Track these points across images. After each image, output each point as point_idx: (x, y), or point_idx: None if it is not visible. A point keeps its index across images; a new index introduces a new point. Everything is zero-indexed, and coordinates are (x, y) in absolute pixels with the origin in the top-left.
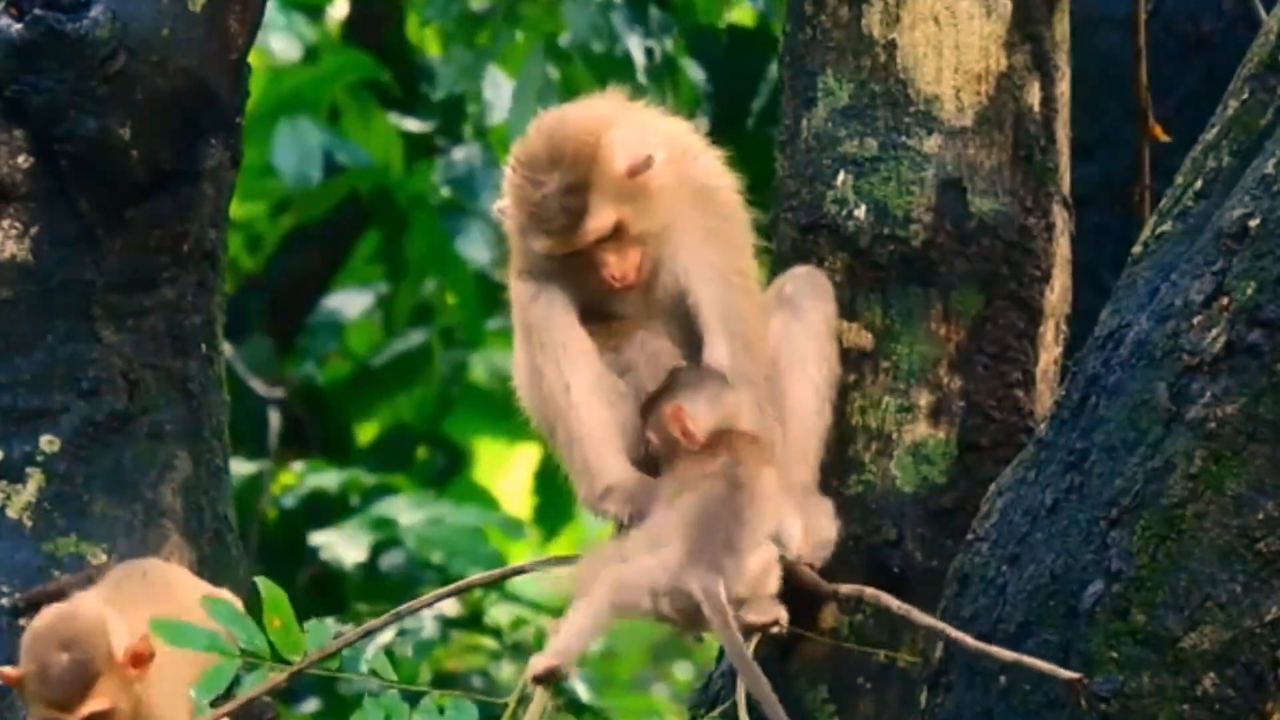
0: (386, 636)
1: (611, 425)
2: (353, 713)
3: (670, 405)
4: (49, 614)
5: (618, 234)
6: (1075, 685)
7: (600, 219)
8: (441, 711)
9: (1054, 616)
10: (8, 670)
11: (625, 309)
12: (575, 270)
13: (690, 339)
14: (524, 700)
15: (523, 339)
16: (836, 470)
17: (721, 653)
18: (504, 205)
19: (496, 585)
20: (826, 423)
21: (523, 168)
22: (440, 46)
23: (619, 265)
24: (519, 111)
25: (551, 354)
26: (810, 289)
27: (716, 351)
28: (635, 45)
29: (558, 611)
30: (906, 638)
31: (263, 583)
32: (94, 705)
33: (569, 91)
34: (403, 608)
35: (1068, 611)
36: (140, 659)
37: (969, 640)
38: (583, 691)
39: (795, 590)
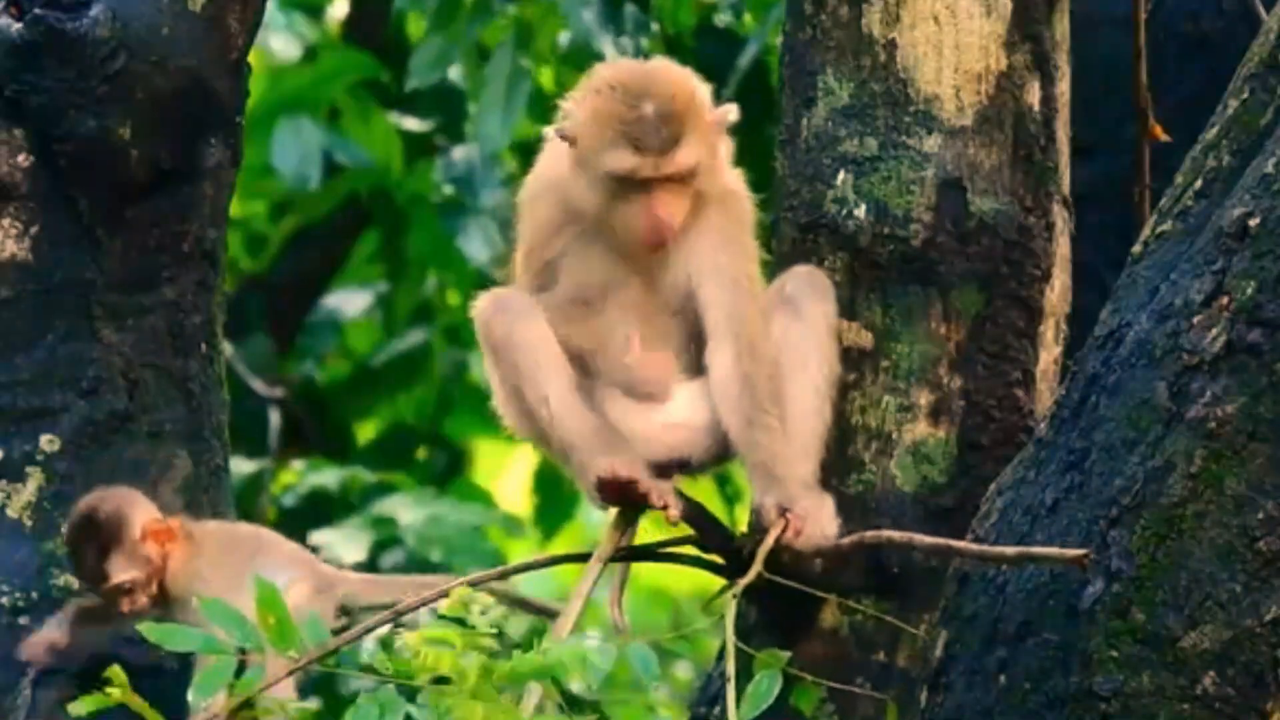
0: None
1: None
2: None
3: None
4: None
5: (686, 180)
6: (1081, 562)
7: (691, 151)
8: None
9: (1054, 616)
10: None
11: (626, 298)
12: (605, 224)
13: (684, 332)
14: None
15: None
16: (837, 469)
17: (721, 653)
18: (565, 128)
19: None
20: (827, 421)
21: (615, 91)
22: (422, 36)
23: (670, 208)
24: (489, 102)
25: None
26: (810, 289)
27: (721, 354)
28: (609, 45)
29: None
30: (906, 639)
31: (256, 579)
32: None
33: (541, 83)
34: (402, 605)
35: (1067, 611)
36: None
37: (972, 548)
38: (579, 689)
39: (794, 591)
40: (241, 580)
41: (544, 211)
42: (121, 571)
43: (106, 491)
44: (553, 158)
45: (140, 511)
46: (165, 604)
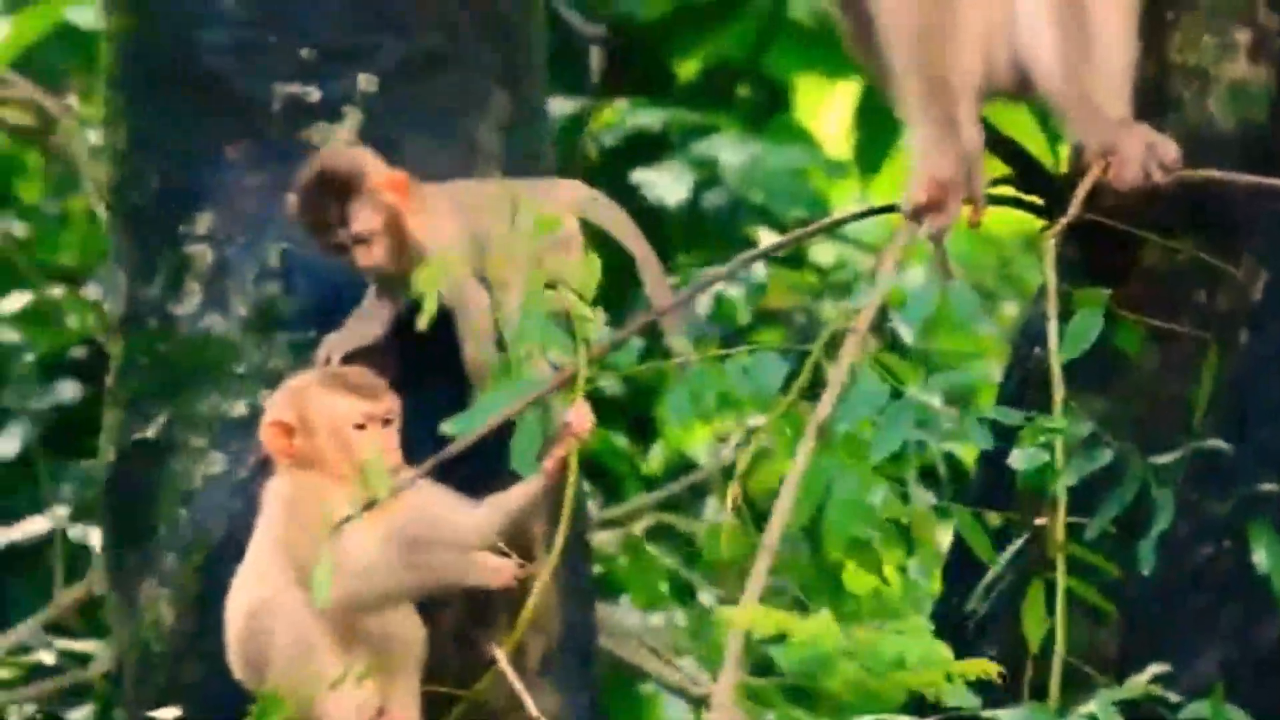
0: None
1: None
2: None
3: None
4: None
5: None
6: None
7: None
8: (745, 372)
9: None
10: None
11: None
12: None
13: None
14: (834, 340)
15: None
16: (1153, 109)
17: (1040, 293)
18: None
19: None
20: (1135, 53)
21: None
22: None
23: None
24: None
25: None
26: None
27: None
28: None
29: (877, 249)
30: (1226, 279)
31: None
32: None
33: None
34: (735, 262)
35: None
36: None
37: None
38: (905, 333)
39: (1114, 231)
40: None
41: None
42: (362, 220)
43: (336, 148)
44: None
45: (373, 163)
46: (401, 265)
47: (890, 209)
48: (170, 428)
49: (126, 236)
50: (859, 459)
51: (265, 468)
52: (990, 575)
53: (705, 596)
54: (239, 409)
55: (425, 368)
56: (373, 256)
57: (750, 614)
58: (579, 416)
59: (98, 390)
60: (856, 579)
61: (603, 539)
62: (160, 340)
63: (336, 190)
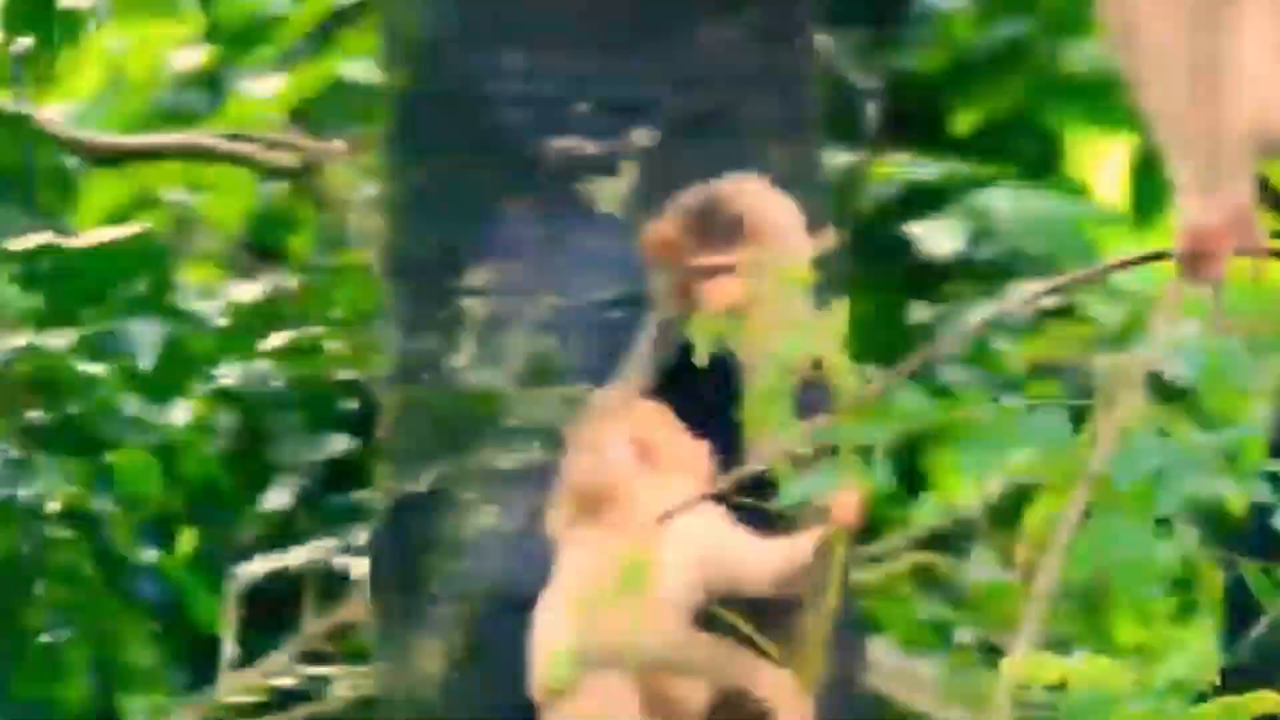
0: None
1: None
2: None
3: None
4: None
5: None
6: None
7: None
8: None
9: None
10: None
11: None
12: None
13: None
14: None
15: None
16: None
17: None
18: None
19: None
20: None
21: None
22: None
23: None
24: None
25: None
26: None
27: None
28: None
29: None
30: None
31: None
32: None
33: None
34: (1002, 305)
35: None
36: None
37: None
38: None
39: None
40: None
41: None
42: (744, 250)
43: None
44: None
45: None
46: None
47: (1162, 255)
48: (442, 481)
49: (399, 290)
50: (1140, 514)
51: (535, 520)
52: (1259, 629)
53: (963, 636)
54: (510, 462)
55: (690, 419)
56: (730, 292)
57: (1030, 663)
58: (844, 506)
59: (368, 443)
60: (1125, 630)
61: (862, 576)
62: (432, 394)
63: (728, 217)
